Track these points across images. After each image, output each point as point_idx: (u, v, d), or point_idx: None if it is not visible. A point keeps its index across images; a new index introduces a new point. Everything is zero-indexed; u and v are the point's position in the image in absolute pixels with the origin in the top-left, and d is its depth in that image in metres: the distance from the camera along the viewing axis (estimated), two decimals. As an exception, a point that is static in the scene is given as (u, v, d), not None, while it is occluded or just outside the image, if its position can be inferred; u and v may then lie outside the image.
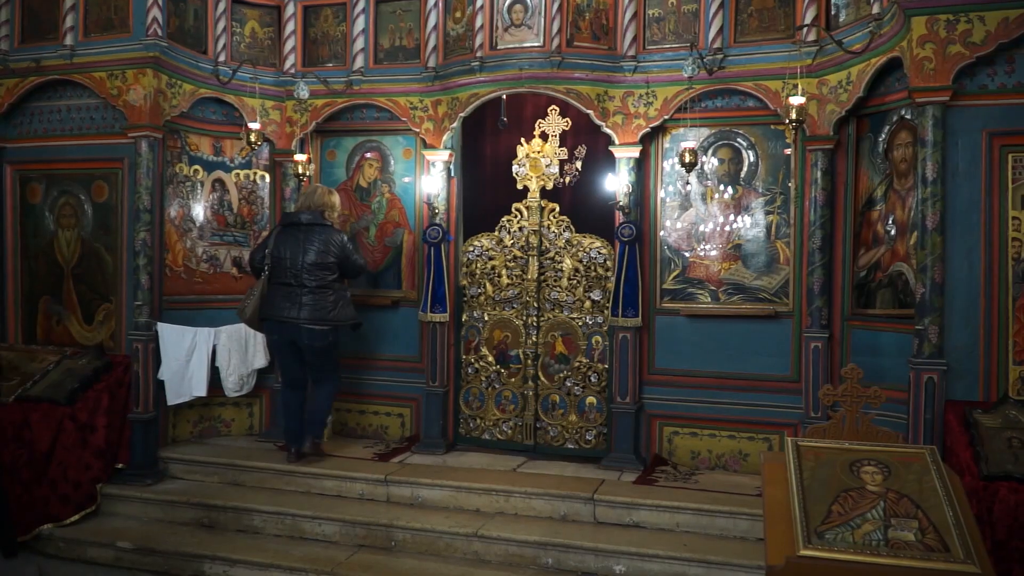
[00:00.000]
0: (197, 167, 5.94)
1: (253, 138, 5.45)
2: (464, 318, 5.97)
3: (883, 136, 4.78)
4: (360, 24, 5.94)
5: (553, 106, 5.78)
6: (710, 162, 5.43)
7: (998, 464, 3.61)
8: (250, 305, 5.43)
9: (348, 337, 5.77)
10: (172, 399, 5.58)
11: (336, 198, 5.57)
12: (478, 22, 5.40)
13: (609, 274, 5.59)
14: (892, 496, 2.78)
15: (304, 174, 5.79)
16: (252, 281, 6.03)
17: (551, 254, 5.75)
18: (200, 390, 5.67)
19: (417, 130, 5.86)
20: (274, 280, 5.40)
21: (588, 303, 5.67)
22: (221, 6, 5.86)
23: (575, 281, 5.71)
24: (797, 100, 4.50)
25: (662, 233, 5.52)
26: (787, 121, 4.58)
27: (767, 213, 5.33)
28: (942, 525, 2.65)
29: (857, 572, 2.54)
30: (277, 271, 5.37)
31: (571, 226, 5.73)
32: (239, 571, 4.53)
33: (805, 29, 4.99)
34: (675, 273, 5.51)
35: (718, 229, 5.42)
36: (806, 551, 2.60)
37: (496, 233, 5.89)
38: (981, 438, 3.77)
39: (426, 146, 5.85)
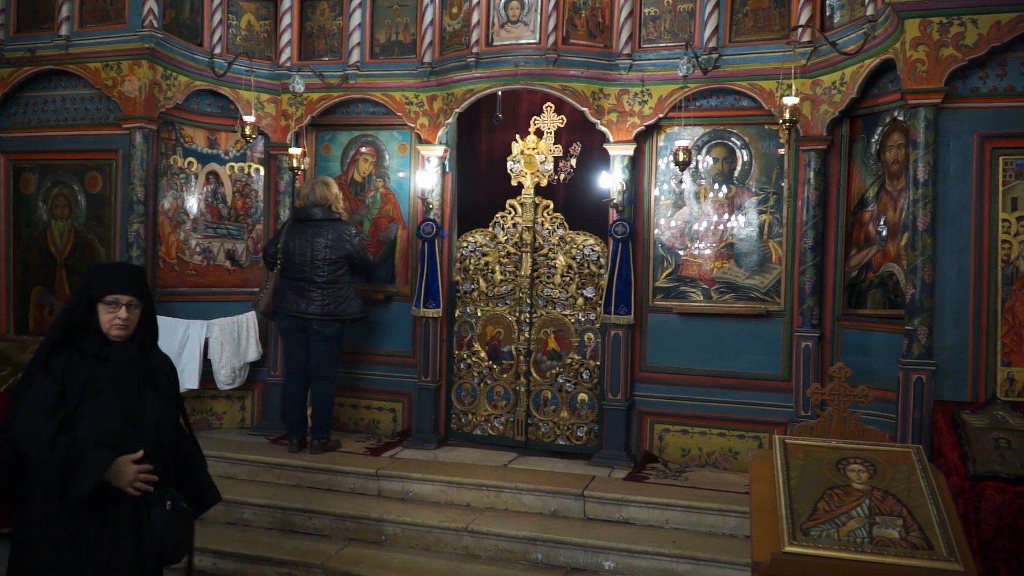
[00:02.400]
0: (191, 159, 5.94)
1: (248, 131, 5.44)
2: (457, 314, 5.98)
3: (876, 137, 4.80)
4: (356, 18, 5.94)
5: (548, 103, 5.80)
6: (704, 161, 5.45)
7: (985, 464, 3.64)
8: (263, 299, 5.59)
9: (345, 330, 5.77)
10: (164, 391, 5.57)
11: (334, 188, 5.60)
12: (474, 18, 5.41)
13: (602, 271, 5.60)
14: (877, 494, 2.80)
15: (299, 168, 5.80)
16: (244, 275, 6.02)
17: (544, 251, 5.77)
18: (192, 383, 5.67)
19: (412, 125, 5.86)
20: (286, 275, 5.47)
21: (581, 300, 5.69)
22: (217, -2, 5.87)
23: (568, 278, 5.72)
24: (791, 100, 4.52)
25: (655, 231, 5.54)
26: (781, 121, 4.59)
27: (760, 212, 5.35)
28: (926, 523, 2.67)
29: (841, 569, 2.56)
30: (288, 266, 5.45)
31: (565, 223, 5.74)
32: (228, 563, 4.53)
33: (800, 30, 5.00)
34: (668, 271, 5.53)
35: (711, 228, 5.44)
36: (791, 547, 2.62)
37: (490, 229, 5.90)
38: (968, 438, 3.79)
39: (421, 141, 5.85)
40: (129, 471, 2.58)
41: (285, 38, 6.10)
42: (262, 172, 6.29)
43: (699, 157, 5.43)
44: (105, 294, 2.70)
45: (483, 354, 5.90)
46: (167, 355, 2.99)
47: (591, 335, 5.66)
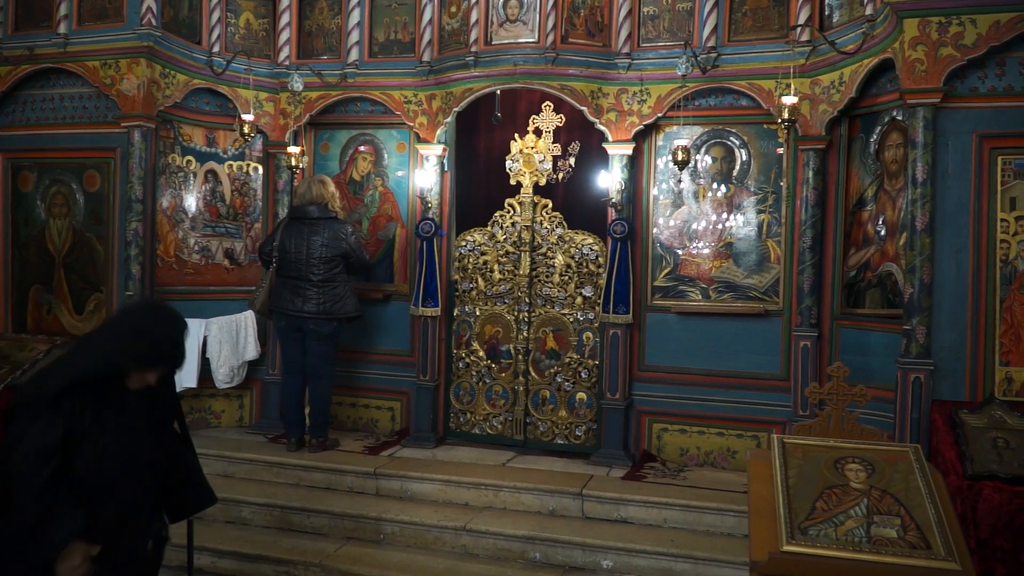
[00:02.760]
0: (190, 158, 5.93)
1: (246, 129, 5.44)
2: (455, 313, 5.98)
3: (875, 137, 4.81)
4: (355, 17, 5.93)
5: (547, 102, 5.79)
6: (703, 160, 5.45)
7: (983, 464, 3.64)
8: (259, 298, 5.57)
9: (341, 329, 5.77)
10: (162, 390, 5.57)
11: (331, 186, 5.58)
12: (473, 17, 5.41)
13: (601, 270, 5.60)
14: (875, 494, 2.80)
15: (297, 166, 5.81)
16: (243, 273, 6.01)
17: (543, 250, 5.76)
18: (190, 381, 5.66)
19: (411, 124, 5.86)
20: (282, 273, 5.46)
21: (579, 299, 5.69)
22: (216, -3, 5.86)
23: (567, 277, 5.72)
24: (790, 100, 4.53)
25: (654, 230, 5.54)
26: (780, 120, 4.59)
27: (759, 212, 5.35)
28: (924, 523, 2.68)
29: (839, 568, 2.56)
30: (284, 265, 5.44)
31: (563, 222, 5.74)
32: (226, 562, 4.53)
33: (799, 29, 5.01)
34: (666, 270, 5.53)
35: (710, 227, 5.44)
36: (789, 547, 2.62)
37: (488, 228, 5.90)
38: (966, 438, 3.80)
39: (420, 140, 5.85)
40: (72, 562, 2.42)
41: (284, 37, 6.10)
42: (260, 171, 6.29)
43: (698, 156, 5.43)
44: (142, 367, 2.57)
45: (482, 353, 5.90)
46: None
47: (590, 334, 5.66)
